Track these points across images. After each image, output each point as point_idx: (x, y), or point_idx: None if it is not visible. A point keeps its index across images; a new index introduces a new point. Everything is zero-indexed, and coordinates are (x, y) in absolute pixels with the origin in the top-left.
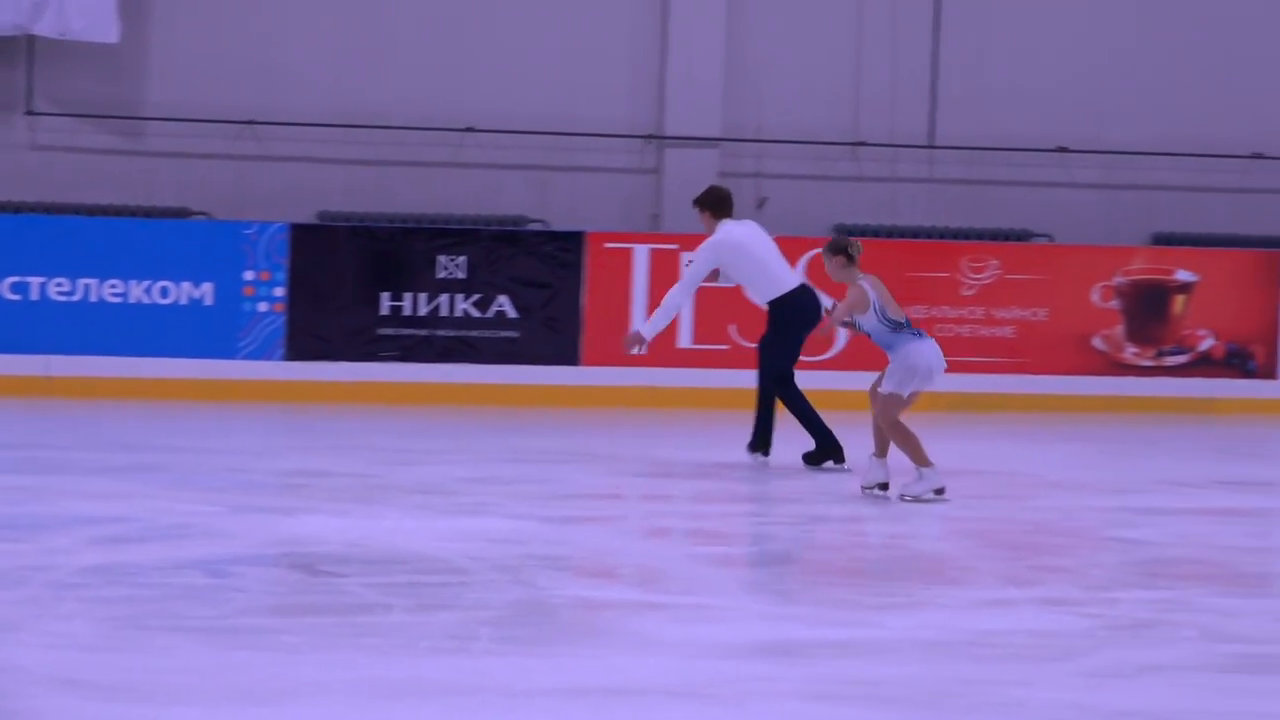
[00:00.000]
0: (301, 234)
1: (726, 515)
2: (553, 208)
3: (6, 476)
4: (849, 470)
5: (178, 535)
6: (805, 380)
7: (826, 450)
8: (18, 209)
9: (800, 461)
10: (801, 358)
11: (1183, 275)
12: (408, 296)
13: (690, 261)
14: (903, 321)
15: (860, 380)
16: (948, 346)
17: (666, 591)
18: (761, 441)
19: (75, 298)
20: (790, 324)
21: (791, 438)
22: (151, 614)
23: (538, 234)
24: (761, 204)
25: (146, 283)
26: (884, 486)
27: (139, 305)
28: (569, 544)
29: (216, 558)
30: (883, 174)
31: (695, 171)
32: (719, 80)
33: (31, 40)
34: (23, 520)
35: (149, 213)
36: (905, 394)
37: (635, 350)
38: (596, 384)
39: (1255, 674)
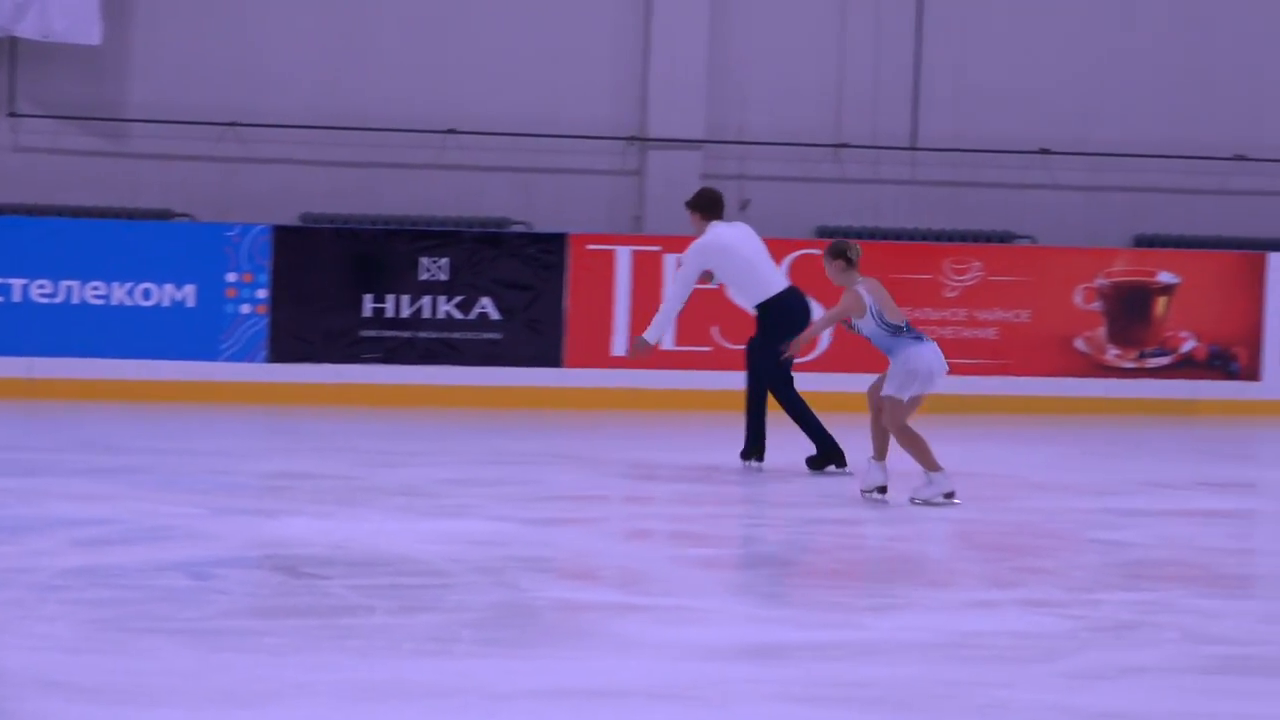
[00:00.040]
0: (284, 236)
1: (709, 517)
2: (535, 209)
3: None
4: (850, 474)
5: (160, 537)
6: (803, 382)
7: (827, 454)
8: (0, 211)
9: (790, 465)
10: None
11: (1165, 277)
12: (390, 298)
13: (681, 264)
14: (902, 325)
15: (857, 382)
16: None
17: (648, 593)
18: (754, 448)
19: (58, 299)
20: (779, 326)
21: (783, 441)
22: (134, 616)
23: (520, 236)
24: (744, 206)
25: (129, 284)
26: (883, 490)
27: (121, 307)
28: (551, 546)
29: (199, 560)
30: (866, 175)
31: (678, 173)
32: (702, 82)
33: (14, 42)
34: (5, 522)
35: (132, 214)
36: (905, 398)
37: (639, 355)
38: (579, 386)
39: (1237, 675)
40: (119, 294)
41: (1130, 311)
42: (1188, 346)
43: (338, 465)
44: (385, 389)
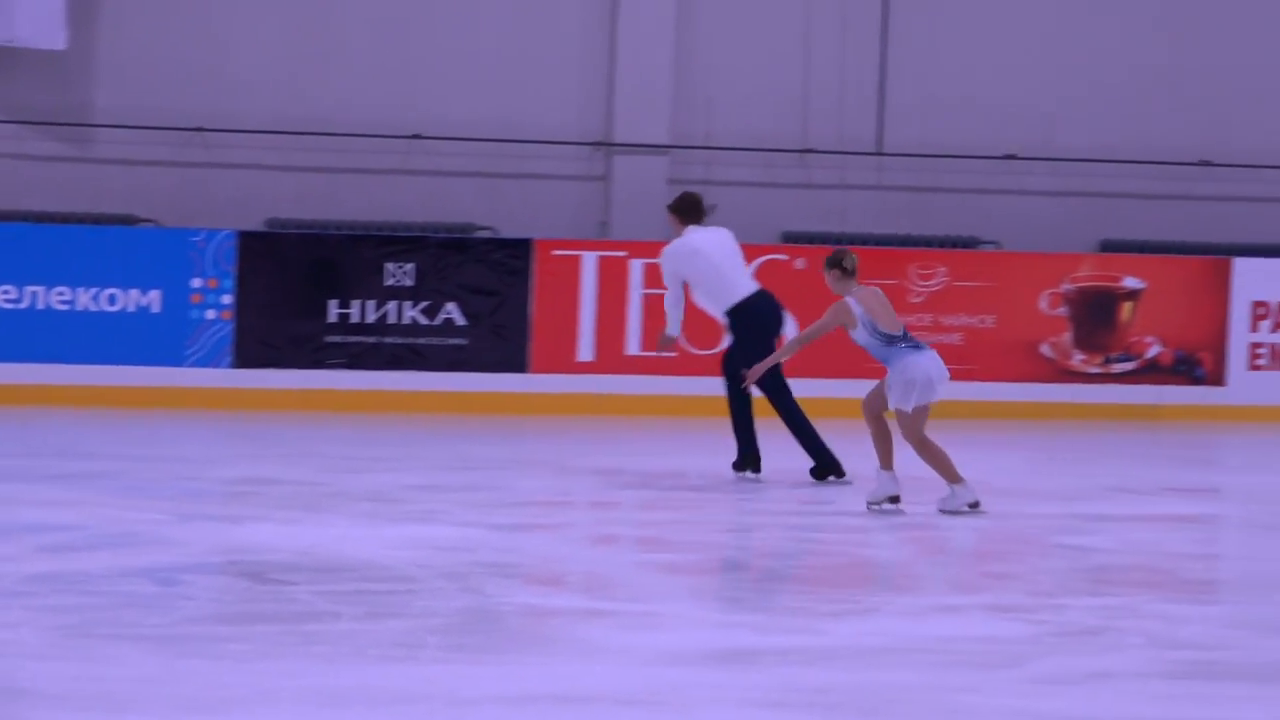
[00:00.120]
0: (249, 241)
1: (675, 523)
2: (501, 215)
3: None
4: (849, 482)
5: (125, 543)
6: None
7: (825, 466)
8: None
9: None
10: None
11: (1130, 282)
12: (355, 304)
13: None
14: (897, 334)
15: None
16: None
17: (614, 599)
18: (748, 459)
19: (22, 305)
20: (750, 329)
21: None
22: (99, 622)
23: (486, 241)
24: (710, 211)
25: (94, 290)
26: (895, 499)
27: (86, 313)
28: (517, 551)
29: (164, 566)
30: (831, 181)
31: (644, 179)
32: (668, 87)
33: None
34: None
35: (97, 220)
36: (909, 408)
37: (666, 349)
38: (544, 391)
39: (1203, 680)
40: (84, 299)
41: (1096, 317)
42: (1153, 352)
43: (303, 471)
44: (351, 394)
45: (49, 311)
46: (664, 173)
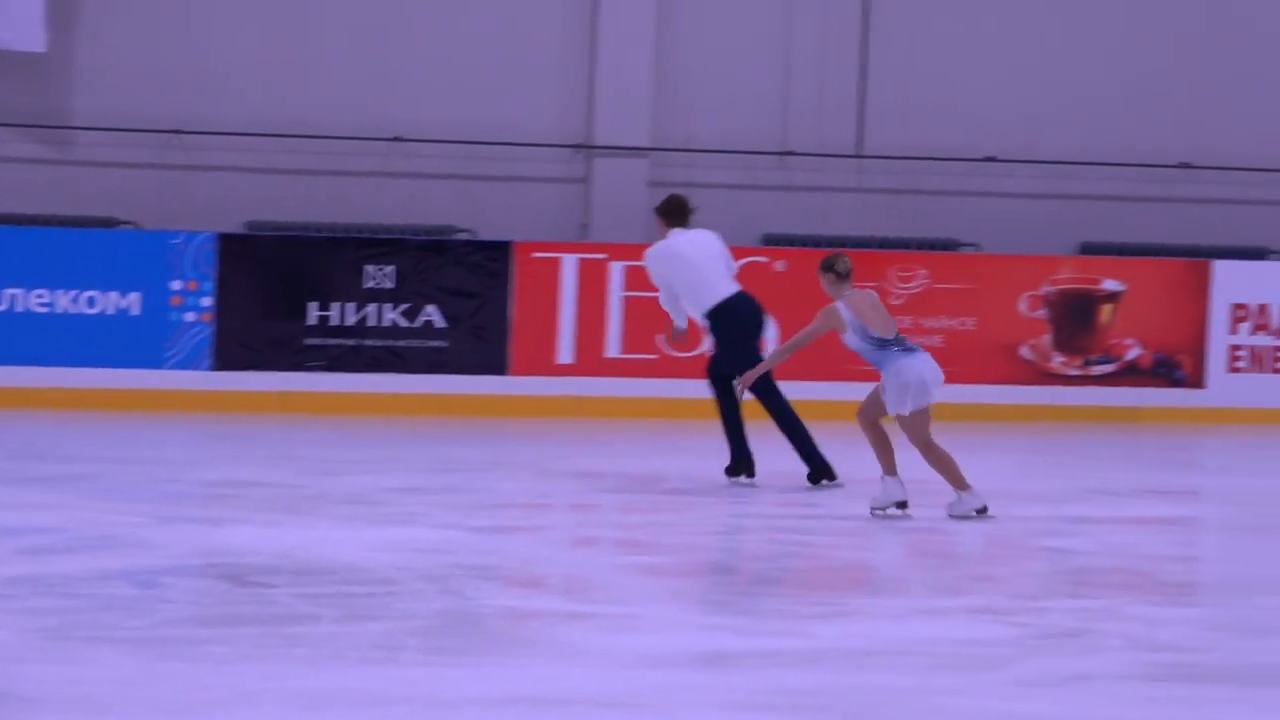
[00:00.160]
0: (229, 244)
1: (655, 525)
2: (481, 217)
3: None
4: (841, 485)
5: (105, 546)
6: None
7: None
8: None
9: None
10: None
11: (1110, 284)
12: (335, 306)
13: None
14: (889, 338)
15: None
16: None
17: (594, 601)
18: (741, 464)
19: (1, 307)
20: (729, 331)
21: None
22: (78, 625)
23: (465, 244)
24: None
25: (74, 292)
26: (902, 505)
27: (66, 315)
28: (497, 554)
29: (144, 568)
30: (812, 183)
31: (624, 181)
32: (648, 90)
33: None
34: None
35: (76, 222)
36: (906, 412)
37: (676, 341)
38: (524, 394)
39: (1182, 683)
40: (63, 302)
41: (1075, 319)
42: (1133, 354)
43: (283, 473)
44: (330, 397)
45: (28, 314)
46: (644, 175)
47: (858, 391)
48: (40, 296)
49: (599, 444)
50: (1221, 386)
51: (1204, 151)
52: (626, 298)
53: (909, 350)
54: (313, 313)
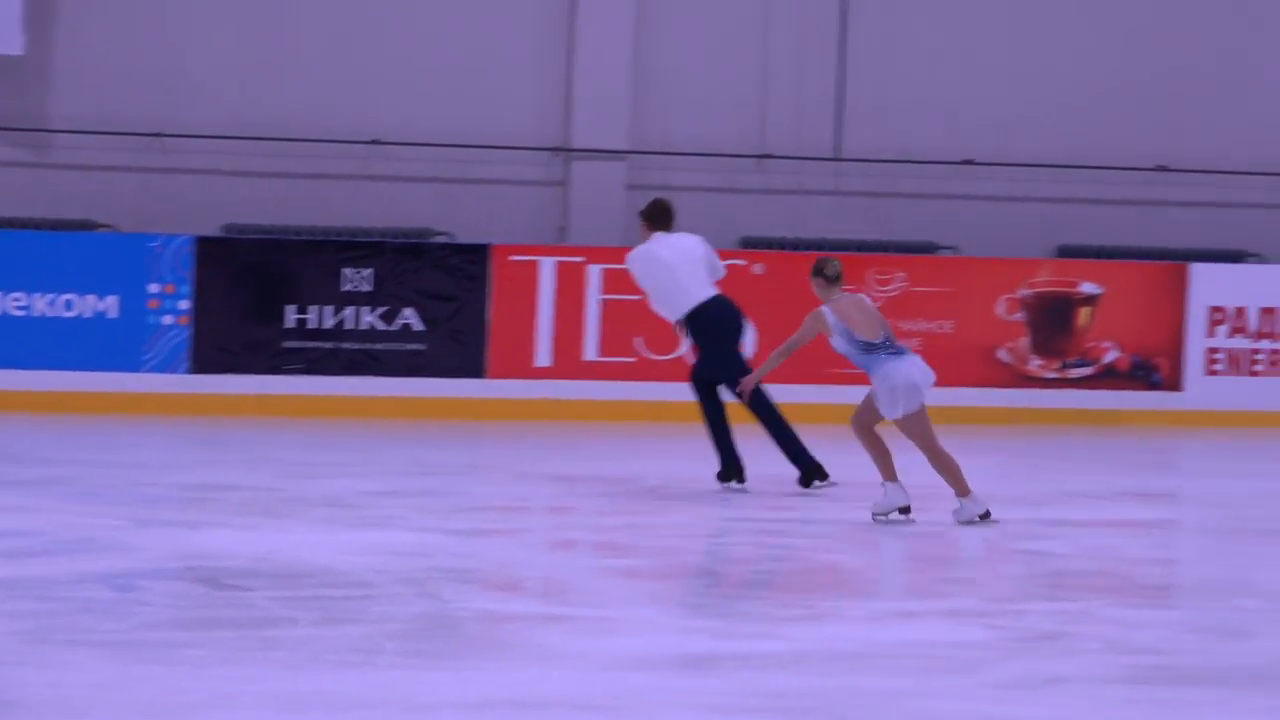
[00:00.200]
0: (206, 247)
1: (633, 528)
2: (459, 220)
3: None
4: (835, 484)
5: (83, 549)
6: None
7: (809, 470)
8: None
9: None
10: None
11: (1087, 287)
12: (313, 309)
13: None
14: (876, 341)
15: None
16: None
17: (572, 604)
18: (731, 469)
19: None
20: (706, 335)
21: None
22: (56, 628)
23: (443, 246)
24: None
25: (51, 296)
26: (905, 510)
27: (43, 318)
28: (475, 557)
29: (121, 571)
30: (789, 186)
31: (602, 184)
32: (626, 93)
33: None
34: None
35: (54, 225)
36: (899, 416)
37: (681, 333)
38: (502, 396)
39: (1159, 685)
40: (40, 305)
41: (1053, 322)
42: (1110, 357)
43: (261, 476)
44: (308, 400)
45: (5, 317)
46: (622, 178)
47: (840, 394)
48: (17, 300)
49: (577, 447)
50: (1199, 389)
51: (1181, 154)
52: (604, 300)
53: (897, 353)
54: (290, 316)
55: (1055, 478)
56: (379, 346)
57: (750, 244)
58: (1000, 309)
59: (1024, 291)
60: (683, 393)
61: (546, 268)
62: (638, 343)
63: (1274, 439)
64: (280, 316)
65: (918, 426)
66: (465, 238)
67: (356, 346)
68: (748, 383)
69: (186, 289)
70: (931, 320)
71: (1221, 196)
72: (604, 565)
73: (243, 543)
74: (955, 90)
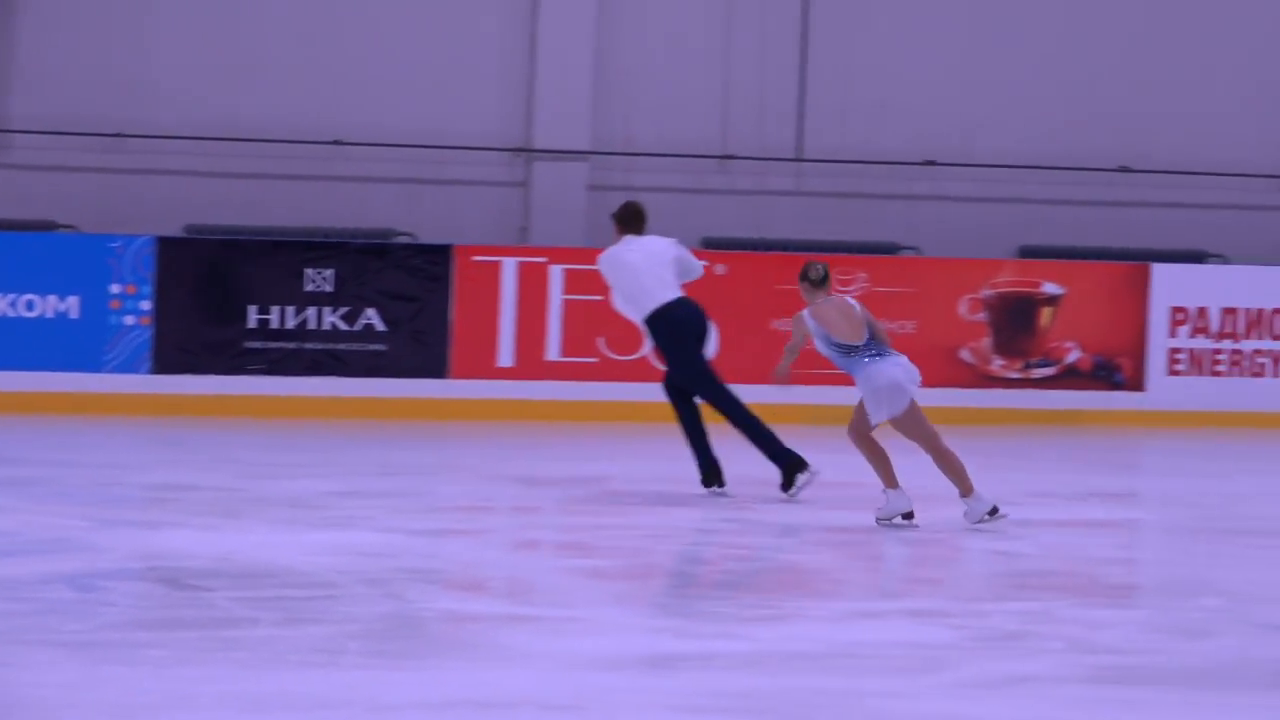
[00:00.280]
0: (168, 247)
1: (596, 528)
2: (421, 221)
3: None
4: (819, 473)
5: (44, 549)
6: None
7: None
8: None
9: (664, 474)
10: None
11: (1050, 288)
12: (275, 310)
13: None
14: (857, 344)
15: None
16: (816, 359)
17: (536, 604)
18: (710, 474)
19: None
20: (667, 337)
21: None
22: (18, 629)
23: (406, 247)
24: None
25: (12, 296)
26: (909, 515)
27: (4, 319)
28: (438, 557)
29: (83, 572)
30: (752, 187)
31: (564, 185)
32: (587, 93)
33: None
34: None
35: (15, 226)
36: (885, 418)
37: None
38: (465, 397)
39: (1121, 685)
40: (1, 306)
41: (1015, 322)
42: (1072, 357)
43: (222, 477)
44: (270, 400)
45: None
46: (584, 179)
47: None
48: None
49: (540, 447)
50: (1161, 389)
51: (1143, 155)
52: (567, 301)
53: (879, 355)
54: (252, 316)
55: (1018, 478)
56: (341, 347)
57: (712, 244)
58: (963, 309)
59: (986, 292)
60: (646, 393)
61: (509, 268)
62: (600, 343)
63: (1236, 439)
64: (242, 317)
65: (914, 426)
66: (427, 238)
67: (319, 347)
68: (780, 370)
69: (148, 289)
70: (894, 321)
71: (1184, 197)
72: (568, 565)
73: (205, 543)
74: (917, 91)
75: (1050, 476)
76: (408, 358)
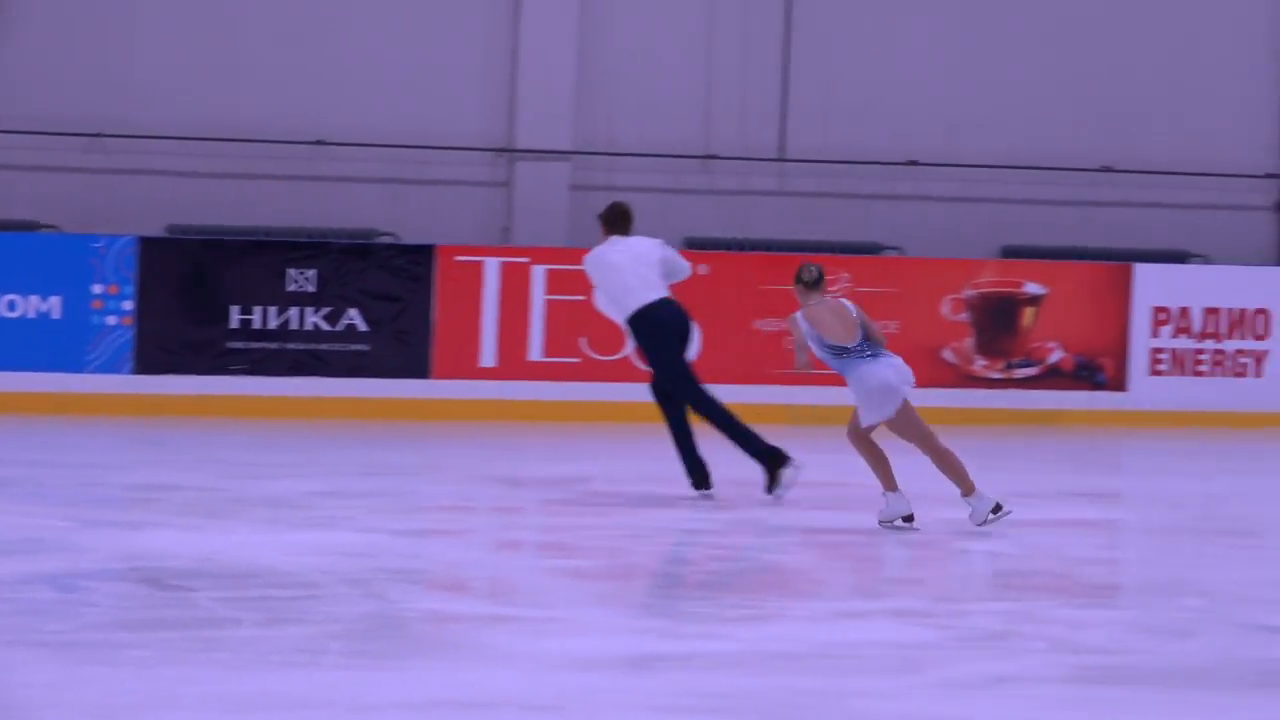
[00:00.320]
0: (150, 247)
1: (578, 528)
2: (404, 221)
3: None
4: (802, 463)
5: (27, 549)
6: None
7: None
8: None
9: (641, 473)
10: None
11: (1032, 288)
12: (257, 310)
13: None
14: (849, 345)
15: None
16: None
17: (518, 604)
18: (699, 478)
19: None
20: (648, 337)
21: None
22: (1, 629)
23: (388, 247)
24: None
25: None
26: (909, 519)
27: None
28: (420, 557)
29: (66, 572)
30: (734, 187)
31: (546, 185)
32: (570, 93)
33: None
34: None
35: None
36: (877, 420)
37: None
38: (447, 397)
39: (1103, 684)
40: None
41: (997, 322)
42: (1055, 357)
43: (205, 477)
44: (252, 400)
45: None
46: (566, 179)
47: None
48: None
49: (523, 447)
50: (1143, 389)
51: (1125, 155)
52: (549, 301)
53: (871, 357)
54: (234, 316)
55: (1000, 478)
56: (323, 347)
57: (695, 244)
58: (945, 309)
59: (968, 292)
60: (628, 393)
61: (491, 268)
62: (582, 343)
63: (1218, 439)
64: (224, 317)
65: (909, 427)
66: (410, 238)
67: (301, 347)
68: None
69: (130, 289)
70: (876, 320)
71: (1166, 197)
72: (551, 565)
73: (187, 543)
74: (900, 91)
75: (1032, 477)
76: (390, 358)
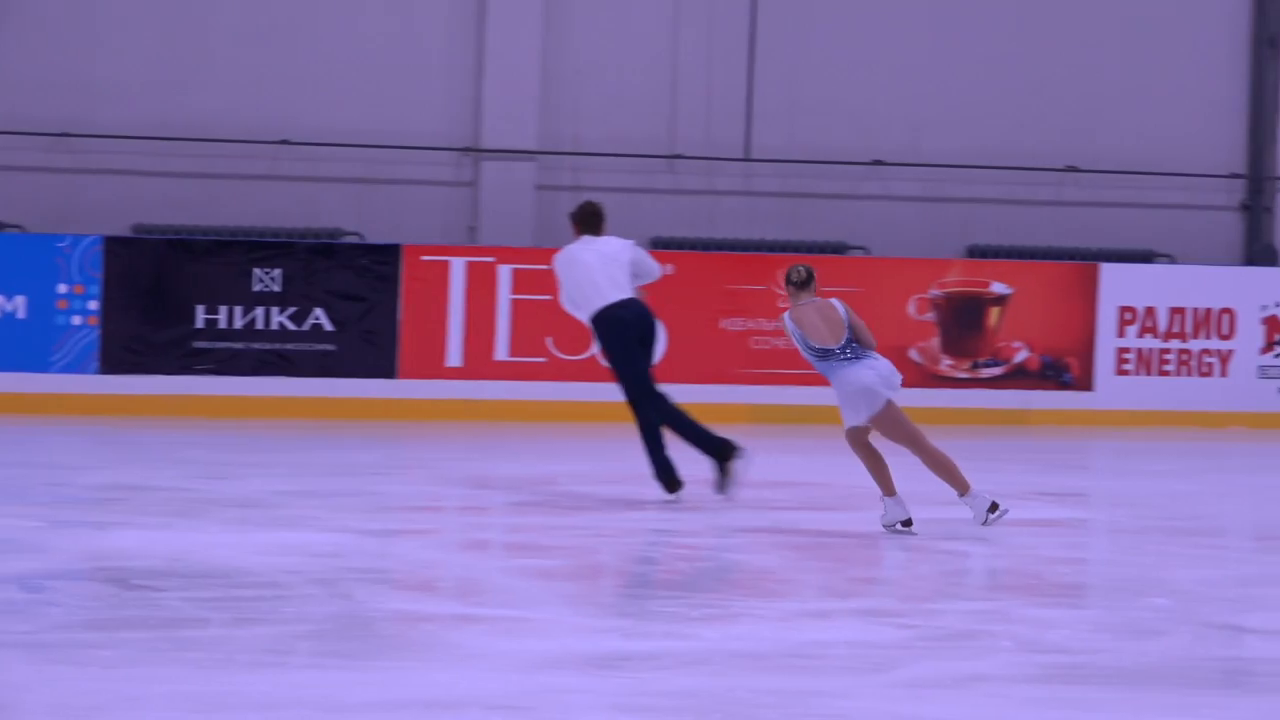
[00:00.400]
0: (115, 247)
1: (546, 528)
2: (370, 220)
3: None
4: (749, 453)
5: None
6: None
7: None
8: None
9: (618, 474)
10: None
11: (998, 287)
12: (223, 309)
13: None
14: (832, 348)
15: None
16: (763, 359)
17: (485, 604)
18: (669, 481)
19: None
20: (609, 337)
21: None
22: None
23: (354, 247)
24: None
25: None
26: (907, 523)
27: None
28: (388, 557)
29: (32, 572)
30: (700, 187)
31: (512, 184)
32: (535, 93)
33: None
34: None
35: None
36: (862, 421)
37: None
38: (414, 397)
39: (1070, 684)
40: None
41: (963, 322)
42: (1021, 357)
43: (171, 477)
44: (218, 400)
45: None
46: (532, 178)
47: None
48: None
49: (488, 447)
50: (1109, 389)
51: (1090, 155)
52: (515, 300)
53: (854, 359)
54: (200, 316)
55: (968, 478)
56: (289, 347)
57: (661, 244)
58: (911, 309)
59: (934, 292)
60: (594, 392)
61: (457, 268)
62: (549, 342)
63: (1183, 438)
64: (190, 317)
65: (895, 428)
66: (375, 238)
67: (267, 347)
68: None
69: (95, 289)
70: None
71: (1131, 197)
72: (518, 565)
73: (154, 543)
74: (865, 91)
75: (998, 476)
76: (356, 358)
